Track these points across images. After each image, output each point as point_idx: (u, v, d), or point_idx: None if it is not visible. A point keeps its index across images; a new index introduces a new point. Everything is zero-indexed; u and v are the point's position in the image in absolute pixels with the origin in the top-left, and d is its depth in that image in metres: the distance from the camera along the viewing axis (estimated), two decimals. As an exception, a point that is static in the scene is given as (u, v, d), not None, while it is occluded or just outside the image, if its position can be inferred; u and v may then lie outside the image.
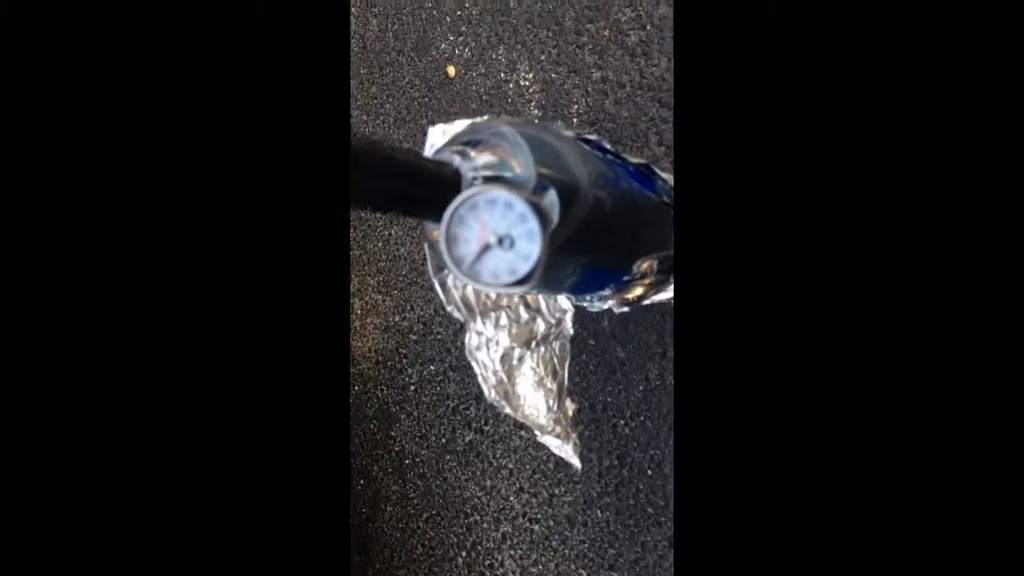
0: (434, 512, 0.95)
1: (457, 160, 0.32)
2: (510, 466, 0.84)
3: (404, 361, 1.02)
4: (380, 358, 1.07)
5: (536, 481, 0.80)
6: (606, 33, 0.71)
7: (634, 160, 0.47)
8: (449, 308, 0.44)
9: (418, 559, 0.97)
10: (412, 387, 1.00)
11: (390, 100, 1.03)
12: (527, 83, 0.81)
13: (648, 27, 0.68)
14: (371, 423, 1.06)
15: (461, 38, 0.91)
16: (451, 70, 0.92)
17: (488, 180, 0.32)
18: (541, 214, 0.28)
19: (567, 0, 0.76)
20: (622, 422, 0.70)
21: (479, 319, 0.42)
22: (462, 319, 0.44)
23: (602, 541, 0.72)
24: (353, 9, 1.09)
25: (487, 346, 0.47)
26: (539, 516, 0.80)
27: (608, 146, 0.46)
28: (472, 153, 0.33)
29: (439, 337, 0.96)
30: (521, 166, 0.33)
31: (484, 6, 0.88)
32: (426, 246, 0.39)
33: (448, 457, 0.93)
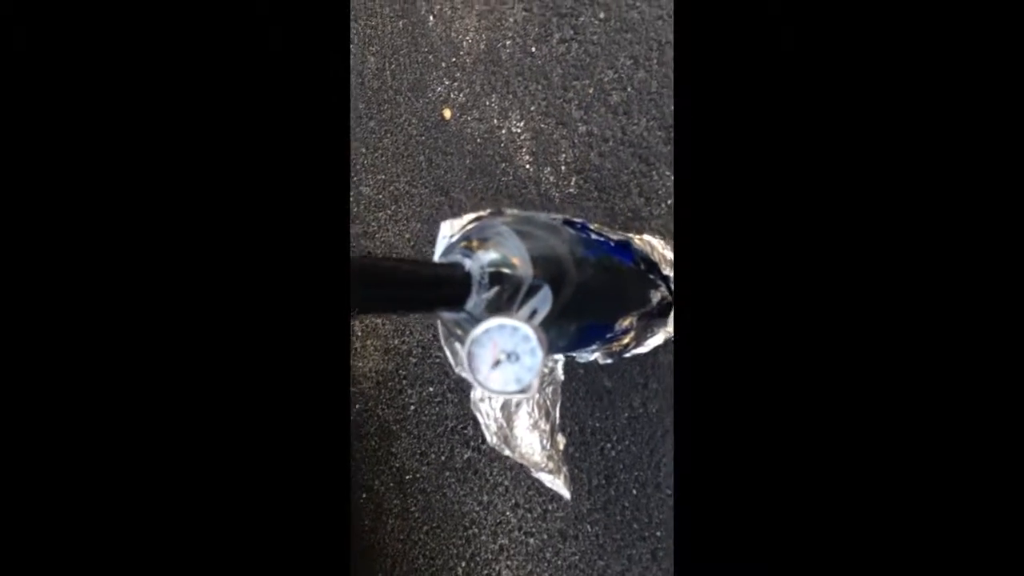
0: (434, 525, 1.02)
1: (468, 262, 0.39)
2: (506, 483, 0.91)
3: (404, 382, 1.08)
4: (380, 379, 1.13)
5: (531, 497, 0.87)
6: (591, 91, 0.78)
7: (615, 237, 0.54)
8: (457, 370, 0.50)
9: (419, 569, 1.04)
10: (412, 407, 1.07)
11: (388, 135, 1.09)
12: (518, 131, 0.88)
13: (628, 89, 0.75)
14: (372, 440, 1.13)
15: (456, 83, 0.97)
16: (447, 112, 0.98)
17: (493, 278, 0.39)
18: (539, 335, 0.35)
19: (555, 58, 0.83)
20: (608, 445, 0.77)
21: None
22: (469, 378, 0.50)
23: (592, 553, 0.79)
24: (352, 46, 1.14)
25: (489, 399, 0.54)
26: (534, 530, 0.87)
27: (592, 226, 0.52)
28: (479, 252, 0.40)
29: (437, 360, 1.02)
30: (520, 263, 0.40)
31: (477, 56, 0.94)
32: (439, 321, 0.46)
33: (447, 474, 1.00)
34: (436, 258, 0.44)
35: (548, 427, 0.55)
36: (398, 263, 0.41)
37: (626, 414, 0.75)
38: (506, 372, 0.34)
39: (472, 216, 0.48)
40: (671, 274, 0.56)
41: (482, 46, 0.93)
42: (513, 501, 0.90)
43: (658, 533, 0.72)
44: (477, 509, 0.95)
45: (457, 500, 0.98)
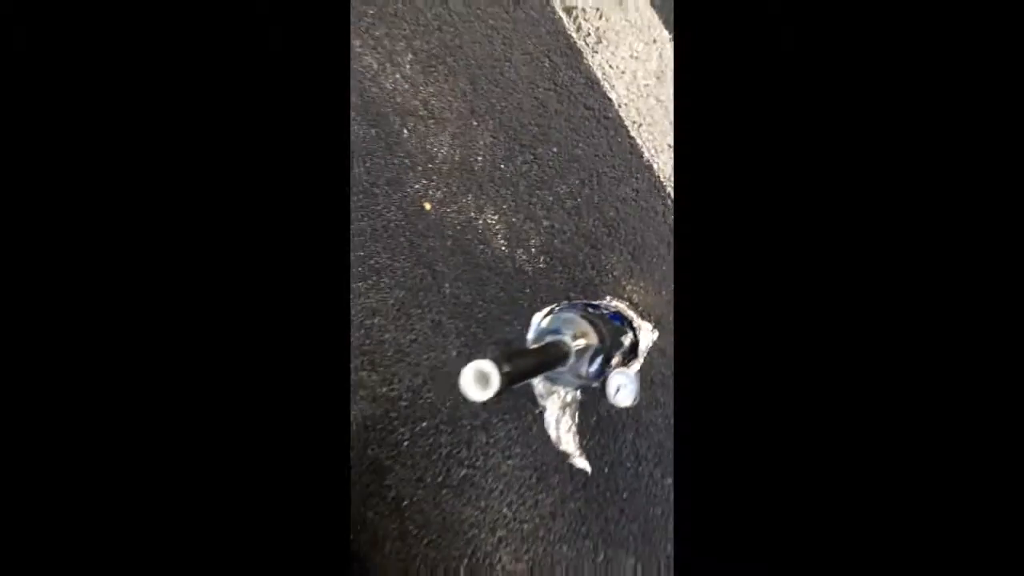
0: (434, 537, 1.25)
1: (567, 342, 0.72)
2: (500, 487, 1.19)
3: (395, 423, 1.30)
4: (369, 423, 1.33)
5: (523, 493, 1.16)
6: (550, 199, 1.14)
7: (612, 306, 0.90)
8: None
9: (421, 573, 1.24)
10: (405, 443, 1.29)
11: (366, 219, 1.32)
12: (493, 222, 1.20)
13: (578, 199, 1.12)
14: (364, 476, 1.31)
15: (433, 183, 1.26)
16: (427, 205, 1.26)
17: (579, 352, 0.72)
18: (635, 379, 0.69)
19: (520, 173, 1.17)
20: (585, 440, 1.10)
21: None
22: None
23: (577, 523, 1.11)
24: (323, 145, 1.36)
25: (555, 423, 0.85)
26: (527, 517, 1.16)
27: (596, 303, 0.88)
28: (567, 336, 0.73)
29: (429, 400, 1.27)
30: (588, 338, 0.74)
31: (452, 164, 1.24)
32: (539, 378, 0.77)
33: (444, 491, 1.24)
34: (532, 337, 0.75)
35: (576, 429, 0.87)
36: (539, 350, 0.72)
37: (594, 418, 1.10)
38: (625, 394, 0.66)
39: (547, 309, 0.80)
40: (636, 324, 0.92)
41: (456, 158, 1.23)
42: (508, 499, 1.18)
43: (624, 495, 1.07)
44: (476, 514, 1.20)
45: (455, 512, 1.22)
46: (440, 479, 1.24)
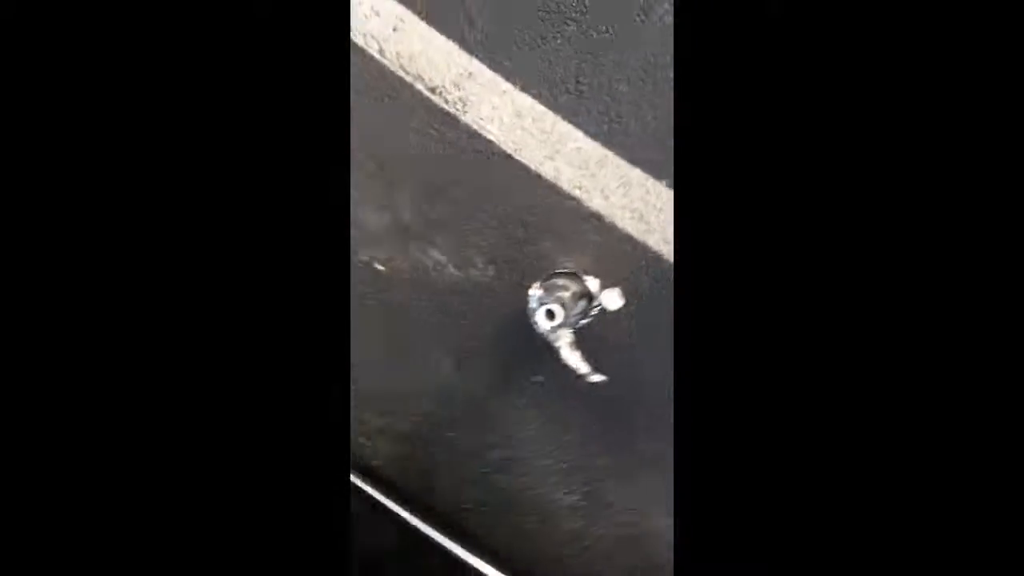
0: (507, 511, 1.55)
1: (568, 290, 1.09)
2: (530, 453, 1.53)
3: (429, 451, 1.57)
4: (402, 462, 1.58)
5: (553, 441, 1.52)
6: (477, 223, 1.48)
7: (566, 269, 1.28)
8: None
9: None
10: (444, 455, 1.57)
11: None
12: (440, 257, 1.51)
13: (498, 215, 1.47)
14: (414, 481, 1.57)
15: (377, 247, 1.54)
16: (380, 267, 1.53)
17: (574, 296, 1.09)
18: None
19: (443, 213, 1.49)
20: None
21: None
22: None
23: (584, 447, 1.49)
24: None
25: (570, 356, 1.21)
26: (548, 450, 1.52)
27: (558, 270, 1.25)
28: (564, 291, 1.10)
29: (448, 437, 1.56)
30: (572, 288, 1.11)
31: (384, 227, 1.52)
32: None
33: (493, 476, 1.55)
34: (534, 306, 1.11)
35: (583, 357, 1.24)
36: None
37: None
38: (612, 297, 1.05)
39: (536, 283, 1.16)
40: (584, 277, 1.32)
41: (385, 221, 1.52)
42: (545, 451, 1.53)
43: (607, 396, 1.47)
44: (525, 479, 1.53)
45: (511, 485, 1.54)
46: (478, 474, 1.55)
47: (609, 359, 1.40)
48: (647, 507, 1.48)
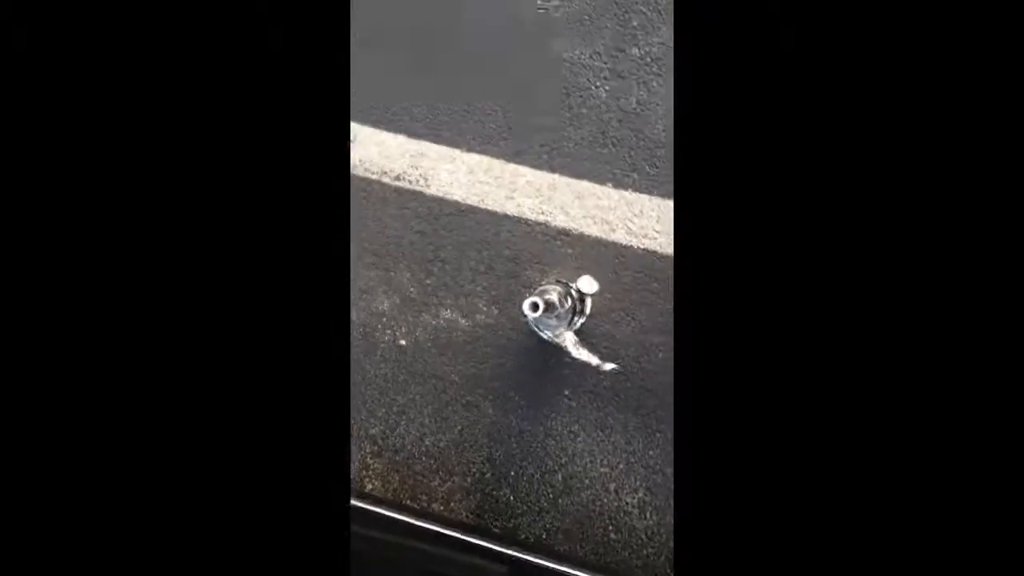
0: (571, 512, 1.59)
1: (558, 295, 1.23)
2: (542, 437, 1.60)
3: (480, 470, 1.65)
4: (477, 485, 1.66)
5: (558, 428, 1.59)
6: (457, 279, 1.66)
7: (555, 280, 1.43)
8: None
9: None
10: (513, 483, 1.65)
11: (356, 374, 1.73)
12: (450, 316, 1.68)
13: (483, 264, 1.65)
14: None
15: (400, 324, 1.72)
16: (403, 342, 1.71)
17: (561, 298, 1.23)
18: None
19: (428, 276, 1.68)
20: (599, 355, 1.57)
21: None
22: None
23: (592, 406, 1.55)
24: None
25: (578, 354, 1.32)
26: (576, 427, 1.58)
27: (551, 280, 1.41)
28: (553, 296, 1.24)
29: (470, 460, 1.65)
30: (559, 293, 1.25)
31: (394, 303, 1.72)
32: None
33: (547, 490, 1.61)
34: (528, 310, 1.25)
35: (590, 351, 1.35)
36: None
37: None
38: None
39: (532, 292, 1.31)
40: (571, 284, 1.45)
41: (399, 299, 1.72)
42: (597, 459, 1.59)
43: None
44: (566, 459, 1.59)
45: (580, 502, 1.60)
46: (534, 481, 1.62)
47: (623, 353, 1.50)
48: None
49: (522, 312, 1.13)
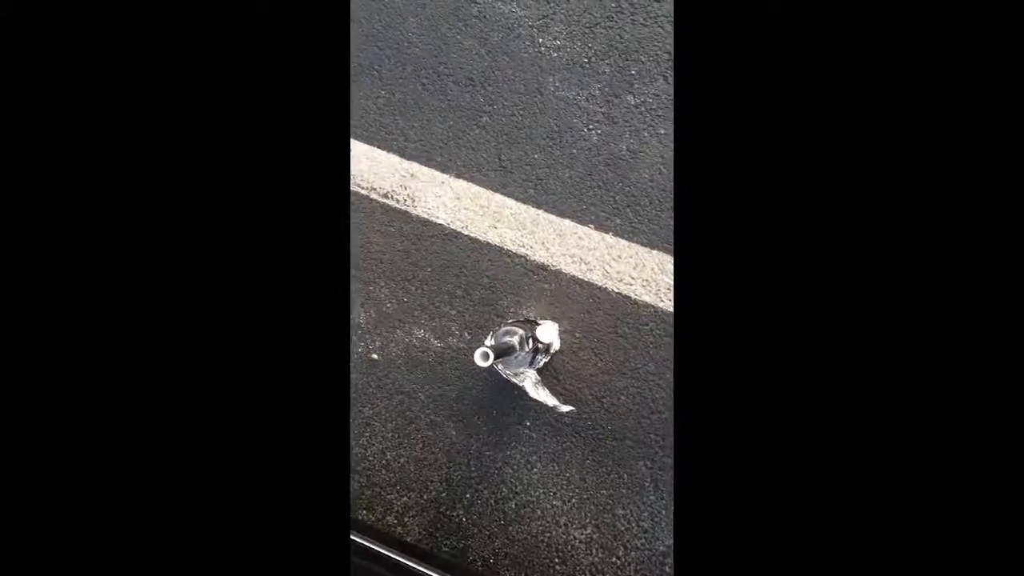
0: (525, 546, 1.62)
1: (516, 337, 1.25)
2: (515, 467, 1.62)
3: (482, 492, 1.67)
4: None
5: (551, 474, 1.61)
6: (440, 306, 1.68)
7: (520, 318, 1.44)
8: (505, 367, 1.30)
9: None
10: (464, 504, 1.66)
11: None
12: (423, 334, 1.70)
13: (458, 294, 1.67)
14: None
15: (365, 337, 1.74)
16: (375, 356, 1.73)
17: (521, 341, 1.25)
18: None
19: (410, 300, 1.70)
20: (559, 396, 1.60)
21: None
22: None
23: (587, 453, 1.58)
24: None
25: (536, 393, 1.34)
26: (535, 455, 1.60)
27: (511, 320, 1.42)
28: (513, 337, 1.26)
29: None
30: (521, 335, 1.27)
31: (370, 320, 1.73)
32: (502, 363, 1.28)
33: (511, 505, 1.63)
34: (492, 343, 1.27)
35: (548, 391, 1.37)
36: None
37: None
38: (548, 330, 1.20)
39: (495, 329, 1.32)
40: (537, 322, 1.48)
41: (374, 314, 1.73)
42: (551, 492, 1.61)
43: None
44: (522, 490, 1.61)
45: (530, 531, 1.62)
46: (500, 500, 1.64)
47: (586, 392, 1.53)
48: (655, 527, 1.53)
49: (473, 361, 1.15)
